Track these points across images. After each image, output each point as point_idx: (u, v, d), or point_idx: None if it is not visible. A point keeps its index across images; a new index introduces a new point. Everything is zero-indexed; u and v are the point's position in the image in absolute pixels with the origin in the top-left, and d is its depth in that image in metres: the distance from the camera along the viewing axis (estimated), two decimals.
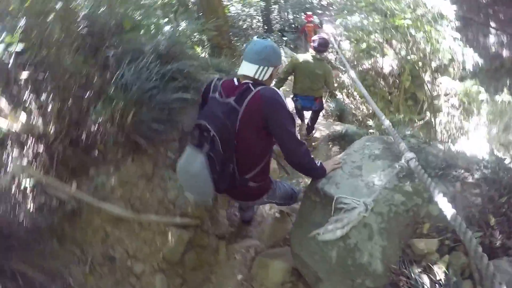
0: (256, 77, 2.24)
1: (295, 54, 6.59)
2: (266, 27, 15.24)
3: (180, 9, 8.37)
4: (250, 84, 2.19)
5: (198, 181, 2.20)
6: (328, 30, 13.49)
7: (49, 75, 2.33)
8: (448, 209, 1.71)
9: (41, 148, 2.36)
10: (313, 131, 6.29)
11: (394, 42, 10.93)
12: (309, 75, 5.41)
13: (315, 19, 13.38)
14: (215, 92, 2.28)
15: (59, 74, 2.33)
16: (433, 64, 11.07)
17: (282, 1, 17.92)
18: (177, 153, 2.89)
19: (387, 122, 2.63)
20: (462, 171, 2.49)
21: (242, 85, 2.22)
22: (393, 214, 2.12)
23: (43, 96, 2.34)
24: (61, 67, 2.32)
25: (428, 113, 10.84)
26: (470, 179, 2.43)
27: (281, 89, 5.66)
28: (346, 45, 11.77)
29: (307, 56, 5.47)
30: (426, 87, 10.57)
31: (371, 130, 5.78)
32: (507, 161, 2.52)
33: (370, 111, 9.66)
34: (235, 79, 2.30)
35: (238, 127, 2.15)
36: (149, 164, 2.72)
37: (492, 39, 13.10)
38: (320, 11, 16.72)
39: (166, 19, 6.51)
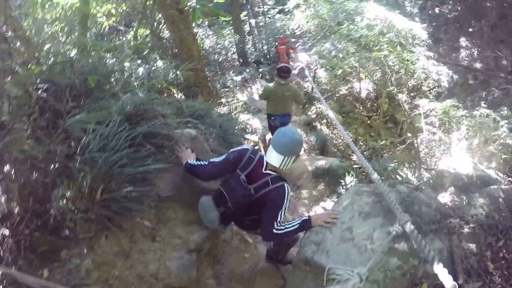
0: (281, 167, 2.70)
1: (268, 84, 7.54)
2: (241, 60, 15.21)
3: (153, 52, 8.30)
4: (270, 179, 2.65)
5: (211, 223, 2.88)
6: (303, 59, 13.60)
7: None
8: (447, 281, 1.61)
9: (6, 232, 2.19)
10: None
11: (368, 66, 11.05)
12: (281, 98, 6.46)
13: (289, 42, 13.61)
14: (244, 170, 2.74)
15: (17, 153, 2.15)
16: (410, 84, 11.18)
17: (256, 32, 18.07)
18: (154, 222, 2.71)
19: (375, 176, 2.49)
20: (458, 220, 2.39)
21: (265, 175, 2.69)
22: (389, 280, 1.99)
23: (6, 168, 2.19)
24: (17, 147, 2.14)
25: (408, 134, 10.86)
26: (466, 229, 2.33)
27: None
28: (321, 72, 11.84)
29: (274, 84, 6.61)
30: (403, 108, 10.65)
31: (355, 166, 5.83)
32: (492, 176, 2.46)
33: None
34: (264, 163, 2.76)
35: (250, 203, 2.71)
36: (125, 239, 2.50)
37: (463, 53, 13.39)
38: (294, 39, 16.94)
39: (139, 62, 6.41)
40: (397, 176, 5.65)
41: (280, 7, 19.72)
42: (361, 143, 9.66)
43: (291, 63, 12.29)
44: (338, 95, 11.28)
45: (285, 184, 2.66)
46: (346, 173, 5.65)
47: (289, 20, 16.79)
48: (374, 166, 5.54)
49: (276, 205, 2.61)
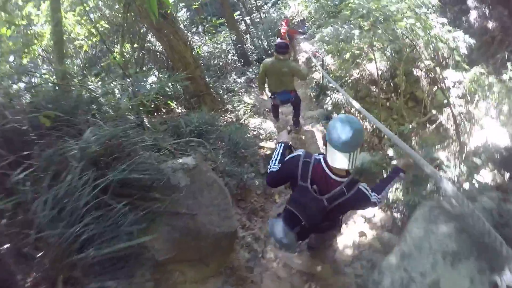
0: (350, 168, 2.43)
1: (266, 59, 7.00)
2: (242, 60, 14.51)
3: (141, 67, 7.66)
4: (343, 187, 2.49)
5: (289, 247, 2.82)
6: (307, 48, 12.83)
7: None
8: None
9: None
10: (300, 125, 7.77)
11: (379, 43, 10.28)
12: (278, 74, 6.52)
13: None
14: (305, 180, 2.53)
15: None
16: (427, 56, 10.32)
17: (253, 29, 17.37)
18: None
19: (451, 188, 1.73)
20: None
21: (336, 184, 2.51)
22: None
23: None
24: None
25: (433, 111, 10.01)
26: None
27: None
28: (329, 59, 11.03)
29: (273, 59, 6.58)
30: (423, 84, 9.81)
31: (393, 162, 5.05)
32: None
33: (374, 127, 8.81)
34: (324, 167, 2.55)
35: (323, 216, 2.54)
36: None
37: (473, 14, 12.44)
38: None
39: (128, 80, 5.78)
40: (443, 167, 4.92)
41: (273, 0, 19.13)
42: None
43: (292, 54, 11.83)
44: (350, 80, 10.45)
45: (360, 186, 2.58)
46: (383, 170, 4.89)
47: (284, 9, 16.14)
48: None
49: (366, 205, 2.66)
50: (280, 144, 2.94)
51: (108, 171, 1.85)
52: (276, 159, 2.82)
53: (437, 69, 9.95)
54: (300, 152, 2.69)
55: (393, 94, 10.56)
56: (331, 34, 9.41)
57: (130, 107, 4.07)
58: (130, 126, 2.41)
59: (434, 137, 8.87)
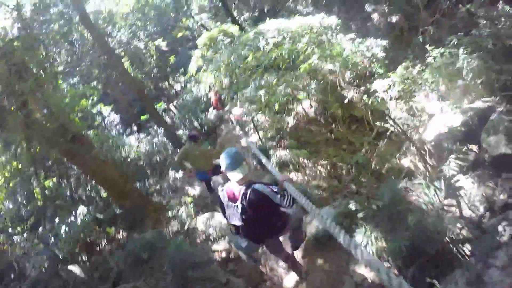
0: (242, 177, 3.51)
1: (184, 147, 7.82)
2: (178, 148, 13.85)
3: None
4: (242, 188, 3.49)
5: (251, 250, 3.92)
6: (237, 113, 12.52)
7: None
8: None
9: None
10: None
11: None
12: (196, 158, 7.28)
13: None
14: (226, 201, 3.69)
15: None
16: (347, 74, 10.16)
17: (179, 114, 17.10)
18: None
19: None
20: None
21: (237, 191, 3.53)
22: None
23: None
24: None
25: (377, 123, 9.69)
26: None
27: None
28: (260, 117, 10.65)
29: (188, 145, 7.42)
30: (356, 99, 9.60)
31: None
32: None
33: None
34: (230, 185, 3.63)
35: (249, 216, 3.55)
36: None
37: (375, 17, 12.75)
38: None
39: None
40: (419, 196, 4.51)
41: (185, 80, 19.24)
42: (340, 164, 8.38)
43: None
44: (288, 129, 10.09)
45: (255, 186, 3.44)
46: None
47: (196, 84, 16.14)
48: (382, 195, 4.30)
49: (265, 202, 3.40)
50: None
51: None
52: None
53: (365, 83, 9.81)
54: (218, 191, 3.79)
55: (333, 125, 10.25)
56: (250, 93, 9.13)
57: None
58: None
59: (390, 148, 8.47)
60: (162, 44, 20.16)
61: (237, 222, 3.65)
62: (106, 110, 16.03)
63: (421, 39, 9.97)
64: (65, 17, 14.99)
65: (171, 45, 22.54)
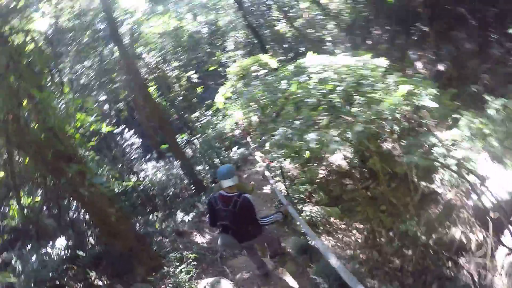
0: (234, 183, 4.57)
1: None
2: (194, 186, 12.73)
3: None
4: (235, 196, 4.50)
5: (232, 245, 4.92)
6: (258, 158, 11.35)
7: None
8: None
9: None
10: None
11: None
12: None
13: None
14: (218, 204, 4.59)
15: None
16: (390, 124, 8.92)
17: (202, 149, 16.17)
18: None
19: None
20: None
21: (231, 197, 4.50)
22: None
23: None
24: None
25: (422, 183, 8.29)
26: None
27: None
28: (288, 165, 9.46)
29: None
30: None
31: None
32: None
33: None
34: (223, 193, 4.59)
35: (237, 218, 4.50)
36: None
37: (419, 65, 11.63)
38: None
39: None
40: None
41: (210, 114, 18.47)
42: (380, 229, 7.03)
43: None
44: (318, 180, 8.83)
45: (245, 195, 4.56)
46: None
47: (223, 120, 15.30)
48: None
49: (252, 212, 4.52)
50: None
51: None
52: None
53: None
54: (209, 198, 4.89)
55: (370, 181, 8.95)
56: (281, 137, 8.08)
57: None
58: None
59: (438, 214, 7.16)
60: (193, 76, 19.58)
61: (225, 221, 4.56)
62: (128, 133, 15.23)
63: (473, 89, 8.89)
64: (94, 28, 14.49)
65: (202, 78, 21.92)
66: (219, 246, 5.26)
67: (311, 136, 6.77)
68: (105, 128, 7.17)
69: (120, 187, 7.21)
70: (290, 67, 6.84)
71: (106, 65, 15.68)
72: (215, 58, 23.01)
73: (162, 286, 5.45)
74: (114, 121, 16.78)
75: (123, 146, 14.32)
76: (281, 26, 19.95)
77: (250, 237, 4.85)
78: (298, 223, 6.46)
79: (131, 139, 14.58)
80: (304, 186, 8.28)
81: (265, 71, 10.37)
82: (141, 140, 15.48)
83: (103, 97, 16.64)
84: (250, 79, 10.14)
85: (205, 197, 11.14)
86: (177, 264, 5.95)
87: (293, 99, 6.29)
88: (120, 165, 12.82)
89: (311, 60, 6.41)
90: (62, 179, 5.27)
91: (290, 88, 6.01)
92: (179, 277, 5.53)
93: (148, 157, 15.84)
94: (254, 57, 11.84)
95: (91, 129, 6.69)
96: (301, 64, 6.51)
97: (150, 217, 9.51)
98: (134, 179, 12.31)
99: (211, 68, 22.58)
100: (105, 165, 7.67)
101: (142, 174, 13.40)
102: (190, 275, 5.73)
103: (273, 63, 11.14)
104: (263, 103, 6.92)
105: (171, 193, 12.55)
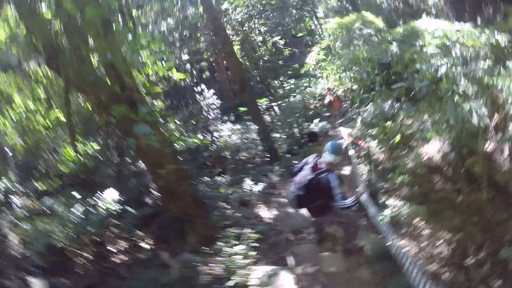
0: (333, 161, 4.79)
1: None
2: (268, 154, 12.25)
3: None
4: (324, 171, 4.64)
5: (293, 197, 4.88)
6: (344, 132, 10.40)
7: None
8: None
9: None
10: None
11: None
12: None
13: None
14: (309, 165, 4.87)
15: None
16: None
17: (282, 117, 15.52)
18: None
19: None
20: None
21: (320, 170, 4.70)
22: None
23: None
24: None
25: None
26: None
27: None
28: (373, 145, 8.41)
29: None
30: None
31: None
32: None
33: None
34: (320, 161, 4.85)
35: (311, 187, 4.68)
36: None
37: None
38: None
39: None
40: None
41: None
42: (468, 244, 5.89)
43: None
44: (405, 172, 7.74)
45: (333, 173, 4.65)
46: None
47: (314, 86, 14.30)
48: None
49: (326, 189, 4.54)
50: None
51: None
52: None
53: None
54: (310, 158, 5.05)
55: (466, 183, 7.64)
56: (374, 113, 7.12)
57: None
58: None
59: None
60: (280, 42, 18.72)
61: (303, 182, 4.73)
62: (208, 91, 15.07)
63: None
64: None
65: (288, 45, 20.94)
66: (287, 193, 5.16)
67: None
68: (176, 75, 6.61)
69: (186, 144, 6.73)
70: (400, 29, 5.81)
71: (191, 20, 15.33)
72: (304, 25, 21.88)
73: (212, 265, 4.90)
74: (195, 80, 16.62)
75: (201, 104, 14.14)
76: None
77: (314, 210, 4.99)
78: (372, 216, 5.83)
79: (211, 99, 14.36)
80: (392, 175, 7.26)
81: (369, 31, 9.22)
82: (220, 101, 15.26)
83: (185, 56, 16.43)
84: (351, 39, 9.10)
85: (278, 167, 10.65)
86: (235, 242, 5.34)
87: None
88: (195, 122, 12.58)
89: (427, 24, 5.33)
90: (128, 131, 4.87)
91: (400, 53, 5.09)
92: (233, 260, 4.92)
93: (225, 118, 15.59)
94: (357, 14, 10.61)
95: (160, 74, 6.19)
96: (415, 27, 5.44)
97: (217, 179, 9.17)
98: (208, 138, 12.06)
99: (299, 35, 21.54)
100: (174, 119, 7.22)
101: (216, 134, 13.16)
102: (246, 259, 5.10)
103: (380, 22, 9.91)
104: (365, 67, 6.04)
105: (243, 157, 12.22)
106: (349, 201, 4.57)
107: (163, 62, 6.19)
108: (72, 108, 5.52)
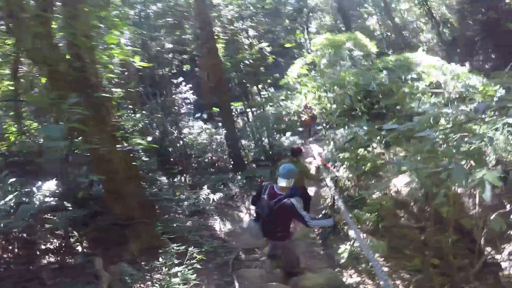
0: (287, 185, 4.77)
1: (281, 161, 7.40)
2: (233, 162, 11.88)
3: None
4: (282, 196, 4.64)
5: (256, 236, 4.98)
6: (316, 153, 10.08)
7: None
8: None
9: None
10: None
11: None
12: None
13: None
14: (265, 193, 4.83)
15: None
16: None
17: (254, 124, 15.11)
18: None
19: None
20: None
21: (278, 195, 4.69)
22: None
23: None
24: None
25: (487, 248, 6.75)
26: None
27: None
28: (342, 171, 8.11)
29: (286, 161, 7.02)
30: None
31: None
32: None
33: None
34: (275, 187, 4.84)
35: (271, 214, 4.69)
36: None
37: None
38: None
39: None
40: None
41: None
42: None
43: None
44: (369, 201, 7.51)
45: (292, 199, 4.62)
46: None
47: (290, 100, 14.07)
48: None
49: (296, 216, 4.64)
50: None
51: None
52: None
53: None
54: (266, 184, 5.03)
55: (429, 223, 7.44)
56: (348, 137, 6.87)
57: None
58: None
59: None
60: (266, 49, 18.42)
61: (263, 212, 4.81)
62: (186, 85, 14.50)
63: None
64: None
65: (274, 54, 20.66)
66: (244, 229, 5.53)
67: None
68: (137, 62, 6.05)
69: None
70: (393, 57, 5.61)
71: (179, 9, 14.86)
72: (294, 37, 21.78)
73: (148, 283, 4.36)
74: (174, 71, 16.02)
75: (176, 97, 13.60)
76: (373, 22, 18.41)
77: (275, 237, 5.02)
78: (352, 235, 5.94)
79: (187, 94, 13.85)
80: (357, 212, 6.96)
81: (360, 53, 8.96)
82: (195, 97, 14.71)
83: (168, 45, 15.86)
84: (339, 58, 8.80)
85: (241, 177, 10.23)
86: (177, 262, 4.70)
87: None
88: (163, 114, 12.00)
89: (423, 58, 5.11)
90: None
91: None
92: (171, 283, 4.30)
93: (197, 116, 15.32)
94: (349, 33, 10.34)
95: (118, 58, 5.67)
96: (409, 59, 5.20)
97: (176, 179, 8.65)
98: (175, 133, 11.57)
99: (287, 45, 21.32)
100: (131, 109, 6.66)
101: (185, 131, 12.65)
102: (186, 284, 4.50)
103: (373, 47, 9.66)
104: (349, 91, 5.79)
105: (207, 160, 11.78)
106: (327, 220, 5.10)
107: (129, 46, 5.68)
108: (20, 81, 4.89)
